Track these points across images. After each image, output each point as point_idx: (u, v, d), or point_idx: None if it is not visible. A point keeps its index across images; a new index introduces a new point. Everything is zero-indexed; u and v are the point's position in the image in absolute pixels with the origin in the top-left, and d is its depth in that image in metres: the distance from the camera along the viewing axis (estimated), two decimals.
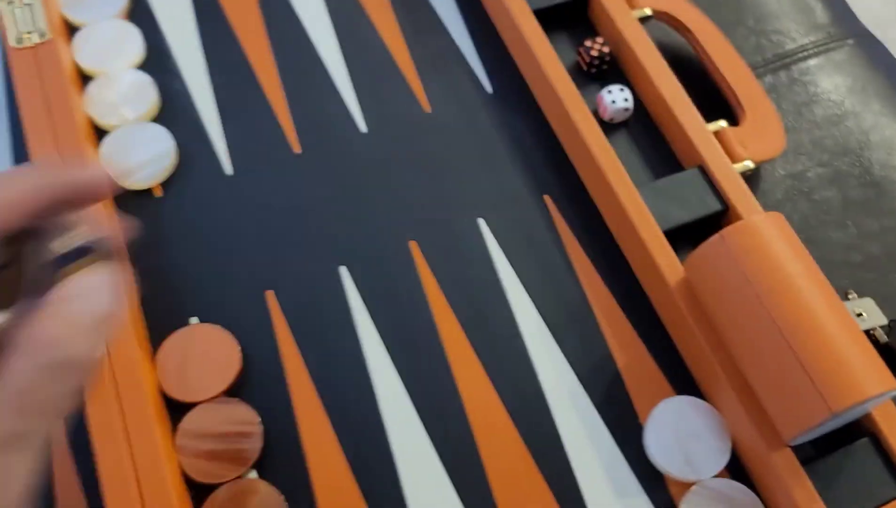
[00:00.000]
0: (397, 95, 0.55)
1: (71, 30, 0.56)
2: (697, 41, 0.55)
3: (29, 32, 0.51)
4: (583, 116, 0.50)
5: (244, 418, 0.44)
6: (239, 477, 0.42)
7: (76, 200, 0.27)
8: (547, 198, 0.51)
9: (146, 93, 0.53)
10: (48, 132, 0.48)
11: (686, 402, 0.44)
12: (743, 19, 0.61)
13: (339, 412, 0.45)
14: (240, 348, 0.46)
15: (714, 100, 0.54)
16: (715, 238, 0.42)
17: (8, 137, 0.53)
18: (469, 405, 0.45)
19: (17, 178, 0.26)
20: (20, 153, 0.52)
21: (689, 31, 0.56)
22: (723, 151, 0.49)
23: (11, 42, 0.51)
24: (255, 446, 0.43)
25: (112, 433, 0.40)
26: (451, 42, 0.57)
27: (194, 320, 0.47)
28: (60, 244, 0.25)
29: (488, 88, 0.56)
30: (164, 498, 0.39)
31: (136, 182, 0.51)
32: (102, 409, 0.41)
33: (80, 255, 0.26)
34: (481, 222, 0.50)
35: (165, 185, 0.52)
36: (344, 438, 0.44)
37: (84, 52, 0.54)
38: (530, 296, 0.48)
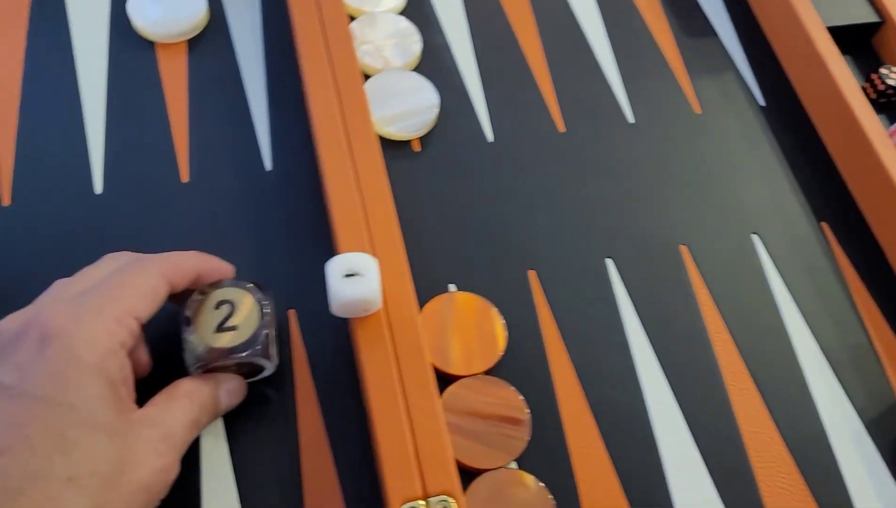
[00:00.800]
0: (667, 92, 0.52)
1: None
2: None
3: None
4: (886, 149, 0.46)
5: (512, 403, 0.40)
6: (501, 467, 0.39)
7: (213, 278, 0.38)
8: (825, 225, 0.48)
9: (411, 41, 0.50)
10: (326, 64, 0.45)
11: None
12: None
13: (605, 412, 0.41)
14: (505, 325, 0.42)
15: None
16: None
17: (262, 63, 0.50)
18: (743, 426, 0.41)
19: (186, 257, 0.37)
20: (279, 81, 0.49)
21: None
22: None
23: None
24: (523, 435, 0.39)
25: (390, 396, 0.36)
26: (722, 48, 0.54)
27: (452, 287, 0.44)
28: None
29: (760, 99, 0.52)
30: (442, 465, 0.35)
31: (396, 132, 0.47)
32: (380, 368, 0.37)
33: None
34: (755, 238, 0.47)
35: (424, 140, 0.48)
36: (611, 442, 0.40)
37: None
38: (809, 325, 0.44)
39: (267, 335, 0.37)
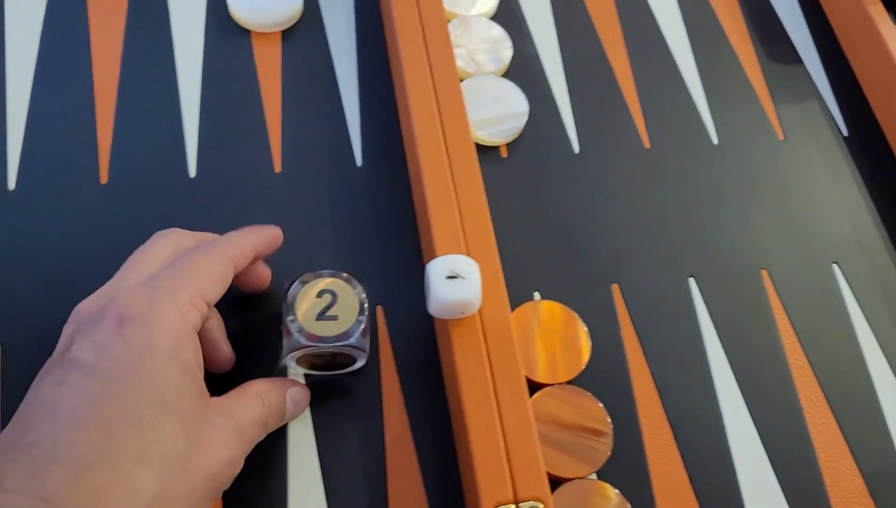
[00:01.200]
0: (751, 116, 0.52)
1: None
2: None
3: None
4: None
5: (596, 414, 0.40)
6: (582, 477, 0.39)
7: (269, 250, 0.39)
8: None
9: (503, 48, 0.51)
10: (426, 64, 0.45)
11: None
12: None
13: (684, 429, 0.41)
14: (589, 335, 0.42)
15: None
16: None
17: (354, 57, 0.50)
18: (820, 454, 0.41)
19: (246, 238, 0.37)
20: (371, 77, 0.50)
21: None
22: None
23: None
24: (605, 447, 0.39)
25: (484, 400, 0.37)
26: (807, 76, 0.54)
27: (536, 295, 0.44)
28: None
29: (843, 128, 0.52)
30: (534, 471, 0.35)
31: (486, 137, 0.48)
32: (474, 372, 0.37)
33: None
34: (836, 268, 0.47)
35: (511, 147, 0.49)
36: (689, 458, 0.40)
37: None
38: (888, 360, 0.44)
39: (364, 327, 0.37)
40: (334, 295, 0.37)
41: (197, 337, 0.34)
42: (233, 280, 0.37)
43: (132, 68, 0.48)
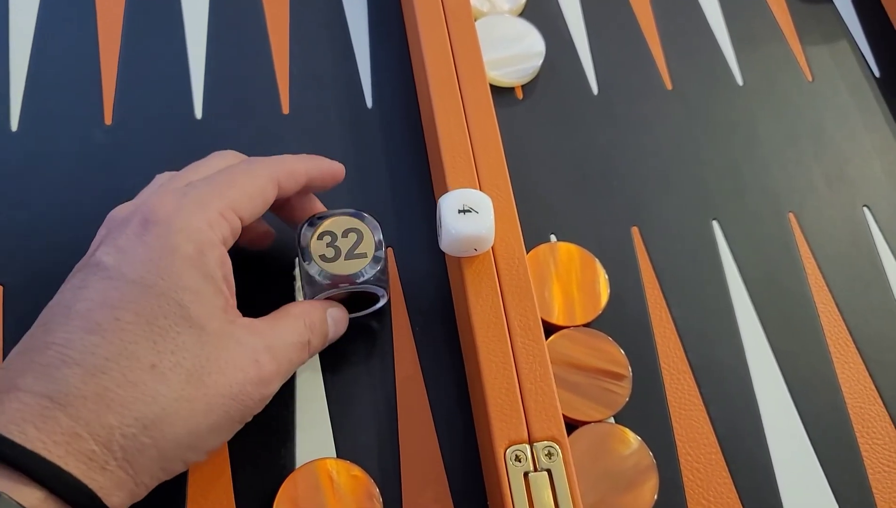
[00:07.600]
0: (778, 57, 0.50)
1: None
2: None
3: None
4: None
5: (614, 357, 0.39)
6: (600, 420, 0.38)
7: (324, 181, 0.37)
8: None
9: None
10: (438, 3, 0.44)
11: None
12: None
13: (706, 373, 0.40)
14: (608, 278, 0.41)
15: None
16: None
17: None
18: (848, 399, 0.40)
19: (297, 160, 0.36)
20: (381, 17, 0.48)
21: None
22: None
23: None
24: (624, 391, 0.38)
25: (498, 339, 0.35)
26: (837, 16, 0.52)
27: (552, 237, 0.43)
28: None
29: (875, 70, 0.50)
30: (549, 411, 0.34)
31: (500, 77, 0.46)
32: (488, 311, 0.36)
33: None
34: (866, 212, 0.45)
35: (527, 88, 0.47)
36: (711, 403, 0.39)
37: None
38: None
39: (385, 263, 0.36)
40: (348, 233, 0.36)
41: (224, 250, 0.32)
42: (281, 211, 0.36)
43: (137, 6, 0.47)
